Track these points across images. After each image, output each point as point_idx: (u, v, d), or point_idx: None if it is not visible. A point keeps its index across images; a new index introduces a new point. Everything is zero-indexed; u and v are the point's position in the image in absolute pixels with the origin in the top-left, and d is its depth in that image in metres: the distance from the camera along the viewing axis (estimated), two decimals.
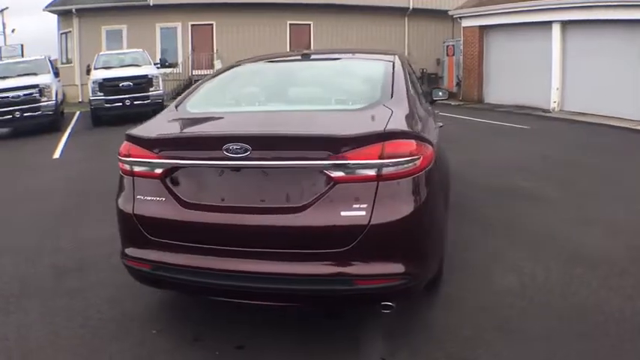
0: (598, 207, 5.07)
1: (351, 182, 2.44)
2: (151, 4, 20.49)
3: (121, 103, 13.42)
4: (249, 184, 2.61)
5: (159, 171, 2.69)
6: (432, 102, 5.38)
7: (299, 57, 4.06)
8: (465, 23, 17.10)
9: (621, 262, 3.70)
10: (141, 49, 16.91)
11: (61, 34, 22.00)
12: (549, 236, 4.25)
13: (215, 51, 21.84)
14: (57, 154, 9.81)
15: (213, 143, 2.56)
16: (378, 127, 2.51)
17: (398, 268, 2.47)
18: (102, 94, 13.42)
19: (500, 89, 16.12)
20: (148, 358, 2.78)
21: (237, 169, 2.58)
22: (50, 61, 15.29)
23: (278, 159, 2.52)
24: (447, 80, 19.43)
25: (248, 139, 2.50)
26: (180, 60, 21.69)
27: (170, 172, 2.69)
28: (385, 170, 2.43)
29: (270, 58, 4.35)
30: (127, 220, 2.79)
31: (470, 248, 4.07)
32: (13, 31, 34.85)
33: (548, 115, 13.14)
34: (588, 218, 4.71)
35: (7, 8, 30.28)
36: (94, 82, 13.69)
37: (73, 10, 20.41)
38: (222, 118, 3.09)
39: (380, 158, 2.42)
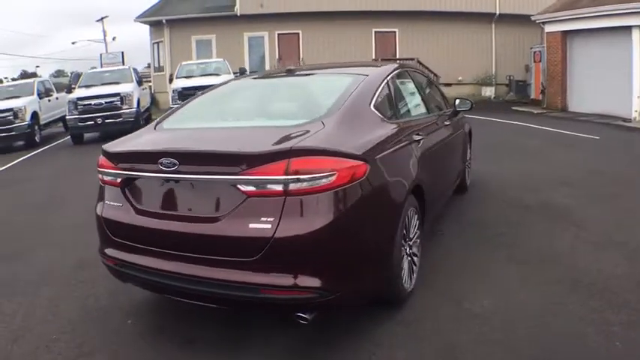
0: (633, 232, 4.72)
1: (260, 197, 2.65)
2: (239, 14, 21.67)
3: None
4: (180, 194, 2.96)
5: (118, 180, 3.15)
6: (456, 113, 5.42)
7: (284, 73, 4.37)
8: (548, 28, 16.42)
9: (626, 293, 3.48)
10: (222, 59, 18.03)
11: (153, 43, 23.97)
12: (553, 260, 4.10)
13: (301, 60, 22.56)
14: None
15: (152, 157, 2.92)
16: (287, 144, 2.68)
17: (309, 281, 2.62)
18: (181, 101, 14.39)
19: (582, 97, 15.36)
20: (116, 344, 3.23)
21: (169, 180, 2.93)
22: (134, 70, 16.95)
23: (199, 173, 2.82)
24: (533, 87, 18.65)
25: (176, 155, 2.84)
26: (267, 68, 22.59)
27: (127, 181, 3.13)
28: (292, 186, 2.59)
29: (260, 75, 4.67)
30: (98, 221, 3.33)
31: (453, 267, 4.08)
32: (113, 39, 38.24)
33: (627, 124, 12.29)
34: (613, 242, 4.44)
35: (106, 17, 32.96)
36: (173, 91, 15.03)
37: (164, 21, 22.23)
38: (173, 134, 3.50)
39: (286, 174, 2.58)
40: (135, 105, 14.12)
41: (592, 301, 3.36)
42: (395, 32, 22.71)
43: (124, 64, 30.76)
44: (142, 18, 22.97)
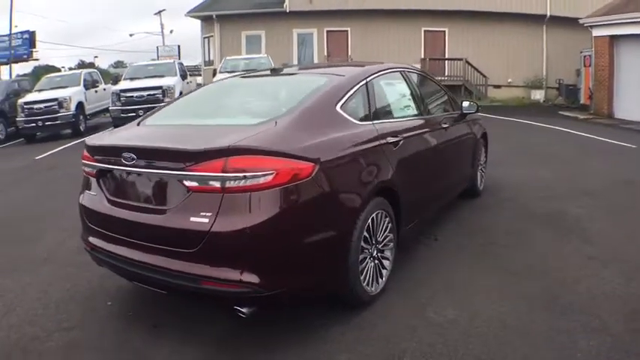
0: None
1: (201, 192, 2.78)
2: (288, 10, 21.90)
3: None
4: (139, 187, 3.12)
5: (94, 171, 3.37)
6: (464, 115, 5.32)
7: (268, 72, 4.44)
8: (595, 32, 15.69)
9: (607, 316, 3.26)
10: (265, 55, 18.23)
11: (204, 37, 24.56)
12: (541, 274, 3.93)
13: (349, 57, 22.55)
14: None
15: (117, 152, 3.12)
16: (227, 142, 2.75)
17: (244, 276, 2.70)
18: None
19: (629, 104, 14.64)
20: (92, 323, 3.43)
21: (131, 173, 3.12)
22: (179, 64, 17.45)
23: (153, 167, 2.98)
24: (583, 92, 17.92)
25: (134, 150, 3.02)
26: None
27: (101, 173, 3.34)
28: (229, 183, 2.70)
29: (247, 75, 4.79)
30: (79, 209, 3.55)
31: (432, 274, 4.00)
32: (171, 32, 39.24)
33: None
34: (616, 259, 4.18)
35: (164, 10, 33.67)
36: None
37: (214, 16, 22.74)
38: (145, 129, 3.64)
39: (223, 172, 2.69)
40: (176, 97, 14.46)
41: (562, 322, 3.16)
42: (444, 32, 22.35)
43: (179, 57, 31.70)
44: (193, 13, 23.56)
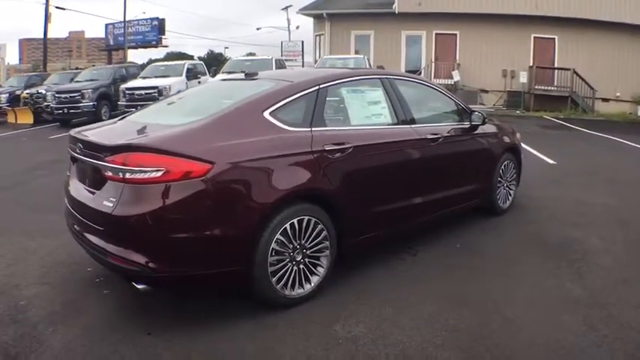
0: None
1: (113, 181, 3.07)
2: (397, 12, 21.51)
3: None
4: (86, 172, 3.52)
5: (70, 157, 3.81)
6: (474, 127, 5.01)
7: (242, 77, 4.52)
8: None
9: None
10: (362, 55, 18.15)
11: (316, 35, 24.90)
12: (490, 311, 3.47)
13: (456, 61, 21.82)
14: None
15: (75, 142, 3.54)
16: (130, 140, 3.15)
17: (136, 257, 2.96)
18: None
19: None
20: (73, 303, 3.60)
21: (81, 161, 3.54)
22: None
23: (91, 157, 3.33)
24: None
25: (80, 142, 3.45)
26: (422, 68, 22.25)
27: (73, 159, 3.76)
28: (127, 175, 2.98)
29: (226, 78, 4.91)
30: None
31: (372, 287, 3.79)
32: (297, 27, 40.10)
33: None
34: (596, 304, 3.56)
35: (290, 6, 34.46)
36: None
37: (324, 15, 22.97)
38: (114, 124, 3.97)
39: (123, 165, 2.98)
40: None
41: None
42: (554, 39, 20.63)
43: (303, 53, 32.55)
44: (306, 11, 24.04)
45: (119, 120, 4.09)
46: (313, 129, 3.55)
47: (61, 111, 15.71)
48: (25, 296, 3.66)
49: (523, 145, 11.16)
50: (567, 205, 6.24)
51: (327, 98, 3.74)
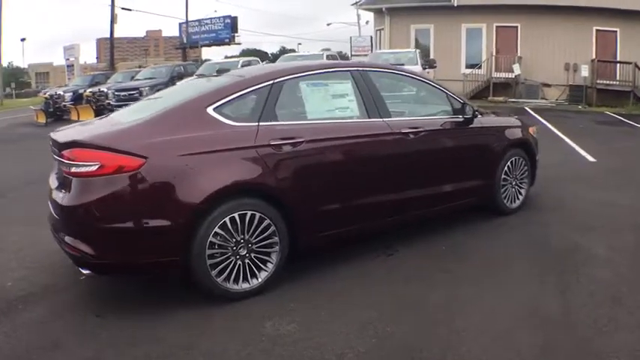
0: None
1: (66, 174, 3.19)
2: (455, 4, 20.60)
3: None
4: (58, 168, 3.56)
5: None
6: (468, 121, 4.64)
7: (215, 74, 4.37)
8: None
9: None
10: (414, 50, 17.57)
11: (376, 30, 24.37)
12: (445, 316, 3.17)
13: (517, 54, 20.70)
14: None
15: (51, 141, 3.57)
16: (74, 136, 3.30)
17: (79, 245, 3.10)
18: None
19: None
20: (61, 290, 3.68)
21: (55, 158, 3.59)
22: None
23: (55, 153, 3.45)
24: None
25: (51, 140, 3.52)
26: (483, 61, 21.32)
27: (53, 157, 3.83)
28: (73, 169, 3.10)
29: (200, 76, 5.33)
30: None
31: (326, 285, 3.62)
32: (367, 22, 39.43)
33: None
34: (560, 319, 3.11)
35: (360, 1, 33.97)
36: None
37: (383, 9, 22.27)
38: (90, 123, 4.13)
39: (70, 160, 3.11)
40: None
41: None
42: (616, 32, 18.84)
43: (372, 48, 32.14)
44: (365, 5, 23.60)
45: (97, 119, 4.24)
46: (261, 124, 3.41)
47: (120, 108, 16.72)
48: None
49: (566, 141, 10.59)
50: (586, 206, 5.61)
51: (283, 93, 3.57)
